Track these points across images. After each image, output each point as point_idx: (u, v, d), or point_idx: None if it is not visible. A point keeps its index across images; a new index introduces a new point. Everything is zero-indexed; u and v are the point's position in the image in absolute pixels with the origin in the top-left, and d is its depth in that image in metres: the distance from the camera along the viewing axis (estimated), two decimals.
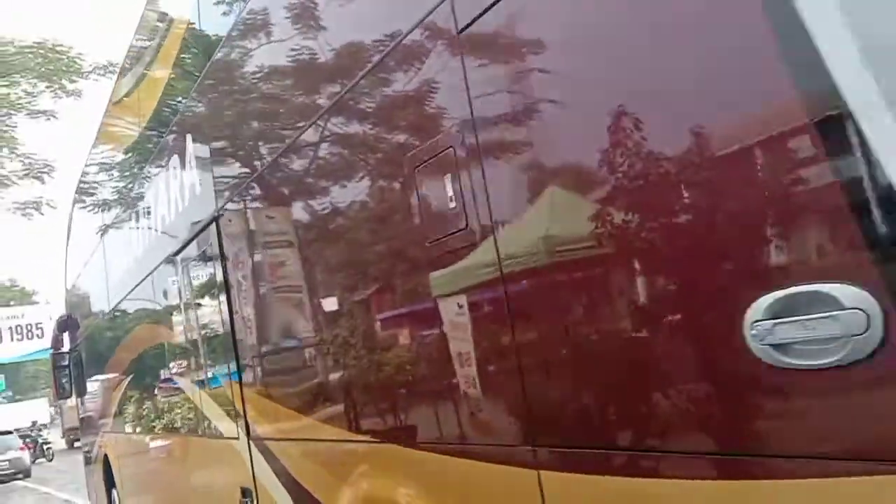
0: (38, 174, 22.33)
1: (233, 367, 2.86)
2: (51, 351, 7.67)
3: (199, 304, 3.27)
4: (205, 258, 3.02)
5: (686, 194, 1.11)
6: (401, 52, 1.69)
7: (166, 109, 3.72)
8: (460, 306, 1.55)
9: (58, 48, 19.30)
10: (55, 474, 18.54)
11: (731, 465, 1.06)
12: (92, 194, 6.24)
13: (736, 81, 1.01)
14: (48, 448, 25.52)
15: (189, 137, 3.17)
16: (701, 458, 1.10)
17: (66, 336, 7.41)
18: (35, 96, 20.22)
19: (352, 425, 2.08)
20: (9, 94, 20.28)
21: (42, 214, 23.25)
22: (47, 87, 19.92)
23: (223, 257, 2.83)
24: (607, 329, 1.26)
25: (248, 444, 2.79)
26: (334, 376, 2.19)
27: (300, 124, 2.19)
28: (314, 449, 2.32)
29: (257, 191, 2.58)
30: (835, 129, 0.88)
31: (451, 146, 1.51)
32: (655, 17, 1.13)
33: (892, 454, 0.85)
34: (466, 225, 1.48)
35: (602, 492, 1.24)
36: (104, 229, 5.70)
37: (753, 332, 0.96)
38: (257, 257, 2.64)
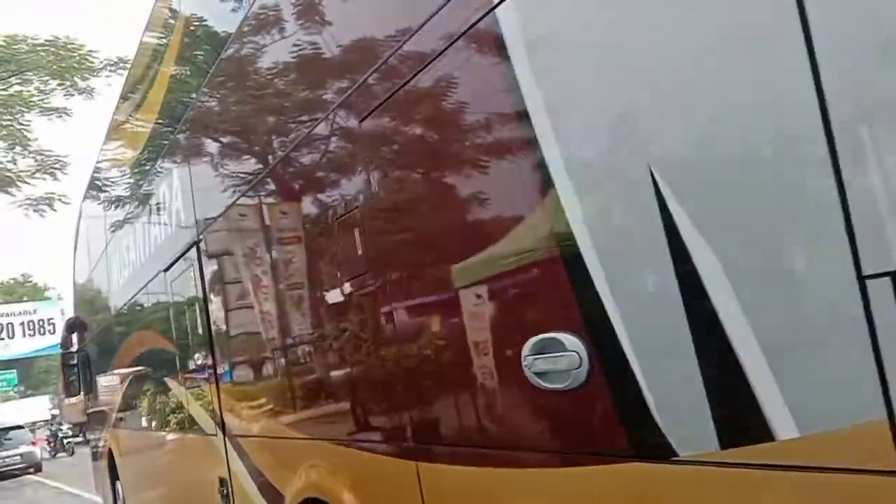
0: (51, 170, 22.39)
1: (211, 372, 3.37)
2: (61, 352, 8.28)
3: (185, 315, 3.80)
4: (188, 276, 3.55)
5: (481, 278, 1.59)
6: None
7: (161, 122, 4.23)
8: (356, 337, 2.06)
9: (69, 45, 19.72)
10: (66, 469, 19.25)
11: (522, 456, 1.53)
12: (98, 196, 6.71)
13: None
14: (68, 443, 26.07)
15: (175, 171, 3.72)
16: (501, 451, 1.57)
17: (74, 336, 8.00)
18: (47, 94, 20.57)
19: (294, 426, 2.58)
20: (21, 91, 20.53)
21: (55, 211, 23.24)
22: (59, 85, 20.33)
23: (202, 276, 3.35)
24: (441, 363, 1.76)
25: (224, 440, 3.30)
26: (283, 384, 2.70)
27: (249, 179, 2.74)
28: (271, 445, 2.83)
29: (226, 223, 3.08)
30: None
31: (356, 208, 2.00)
32: None
33: (598, 447, 1.32)
34: (367, 270, 1.96)
35: (454, 476, 1.73)
36: (108, 235, 6.25)
37: (526, 363, 1.43)
38: (228, 278, 3.14)
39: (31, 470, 20.32)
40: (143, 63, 4.63)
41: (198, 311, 3.48)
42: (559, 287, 1.38)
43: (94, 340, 7.41)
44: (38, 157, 21.91)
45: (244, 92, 2.93)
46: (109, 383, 6.60)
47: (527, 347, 1.42)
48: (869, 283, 0.88)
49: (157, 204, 4.22)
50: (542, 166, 1.35)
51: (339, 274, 2.15)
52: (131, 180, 5.28)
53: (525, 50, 1.39)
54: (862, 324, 0.89)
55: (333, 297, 2.20)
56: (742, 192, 1.04)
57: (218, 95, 3.26)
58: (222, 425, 3.33)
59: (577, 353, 1.32)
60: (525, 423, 1.53)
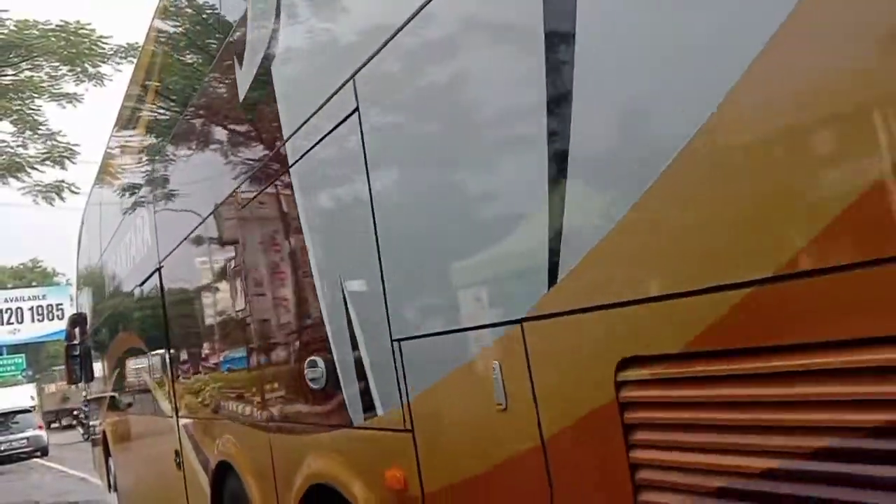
0: (60, 157, 22.73)
1: (168, 369, 4.66)
2: (65, 343, 9.74)
3: (152, 324, 5.11)
4: (154, 293, 4.85)
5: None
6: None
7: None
8: (235, 351, 3.31)
9: (80, 31, 20.54)
10: (73, 453, 20.84)
11: (308, 428, 2.75)
12: (101, 192, 7.80)
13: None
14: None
15: (144, 209, 5.03)
16: (299, 425, 2.79)
17: (76, 330, 9.43)
18: (58, 80, 21.51)
19: (213, 410, 3.86)
20: (32, 76, 21.44)
21: (63, 200, 23.98)
22: (70, 71, 21.25)
23: (163, 295, 4.63)
24: (267, 374, 2.99)
25: (177, 421, 4.58)
26: (206, 381, 3.98)
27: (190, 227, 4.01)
28: (202, 424, 4.11)
29: (176, 256, 4.36)
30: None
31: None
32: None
33: (333, 422, 2.53)
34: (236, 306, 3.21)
35: (283, 440, 2.98)
36: (102, 243, 7.59)
37: (306, 373, 2.63)
38: (179, 298, 4.42)
39: (38, 454, 21.90)
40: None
41: (160, 322, 4.79)
42: (315, 334, 2.59)
43: (91, 336, 8.83)
44: (49, 143, 22.52)
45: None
46: (103, 374, 8.02)
47: (306, 364, 2.64)
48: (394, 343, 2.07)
49: (136, 228, 5.52)
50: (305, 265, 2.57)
51: (226, 307, 3.40)
52: (119, 198, 6.58)
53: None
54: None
55: (223, 323, 3.45)
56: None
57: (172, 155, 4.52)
58: (176, 410, 4.62)
59: (323, 368, 2.53)
60: (307, 408, 2.75)
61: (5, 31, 19.80)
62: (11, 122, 21.84)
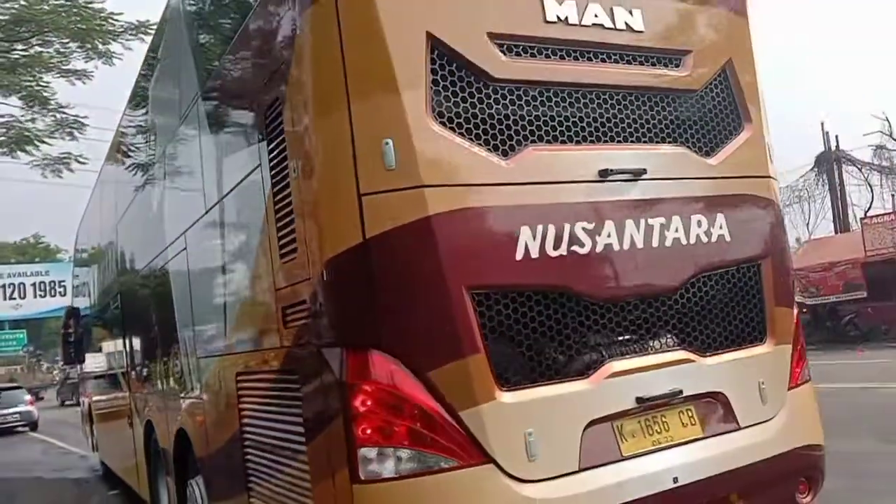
0: (69, 129, 24.17)
1: (124, 357, 7.80)
2: (62, 331, 13.16)
3: (111, 328, 8.26)
4: (114, 310, 8.00)
5: None
6: None
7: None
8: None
9: (90, 6, 22.07)
10: (59, 428, 24.96)
11: None
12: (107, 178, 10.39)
13: None
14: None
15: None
16: None
17: (71, 321, 12.86)
18: (66, 56, 23.15)
19: (141, 385, 6.95)
20: (41, 52, 23.27)
21: (72, 171, 25.68)
22: (79, 48, 22.78)
23: (123, 313, 7.75)
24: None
25: (130, 395, 7.68)
26: (142, 366, 7.08)
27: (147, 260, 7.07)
28: (140, 396, 7.20)
29: (130, 282, 7.41)
30: None
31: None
32: None
33: None
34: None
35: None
36: (90, 251, 10.97)
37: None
38: (132, 311, 7.52)
39: (28, 427, 27.11)
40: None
41: (119, 325, 7.91)
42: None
43: (82, 325, 12.17)
44: (58, 116, 23.97)
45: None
46: (90, 358, 11.36)
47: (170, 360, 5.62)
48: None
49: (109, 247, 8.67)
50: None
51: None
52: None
53: None
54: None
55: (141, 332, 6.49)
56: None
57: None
58: (129, 387, 7.72)
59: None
60: (177, 387, 5.75)
61: (16, 6, 21.63)
62: (20, 98, 23.71)
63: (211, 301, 5.27)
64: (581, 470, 3.61)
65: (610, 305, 3.84)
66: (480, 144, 3.59)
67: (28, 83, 22.96)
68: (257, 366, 4.45)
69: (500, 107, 3.67)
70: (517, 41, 3.78)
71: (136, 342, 7.89)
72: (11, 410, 27.63)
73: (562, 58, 3.91)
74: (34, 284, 41.86)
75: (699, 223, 4.14)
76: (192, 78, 5.44)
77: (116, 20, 22.04)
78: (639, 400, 3.81)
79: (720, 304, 4.23)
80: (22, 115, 23.75)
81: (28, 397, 29.48)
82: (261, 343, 4.41)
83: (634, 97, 4.08)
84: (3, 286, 42.01)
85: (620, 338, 3.90)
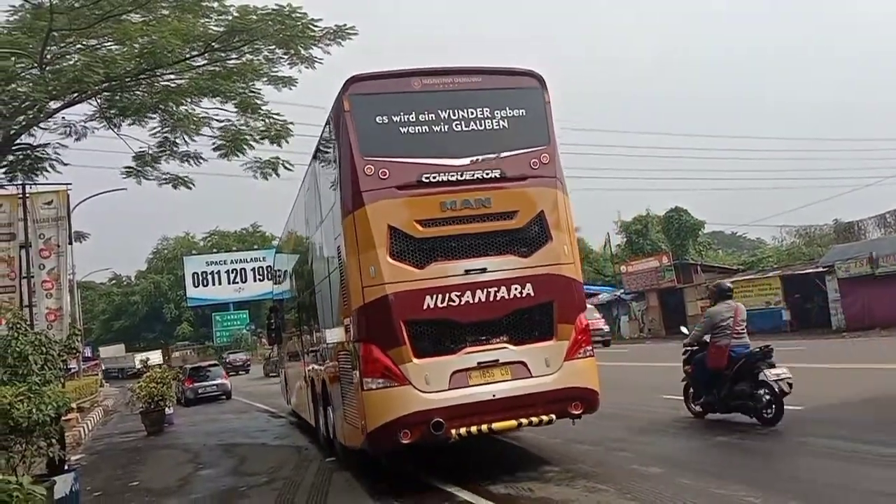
0: (277, 135, 28.56)
1: (301, 339, 16.97)
2: (266, 321, 23.56)
3: (294, 323, 17.40)
4: (295, 311, 17.15)
5: None
6: None
7: None
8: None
9: (293, 14, 25.02)
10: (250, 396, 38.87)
11: None
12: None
13: None
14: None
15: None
16: None
17: (273, 314, 22.96)
18: (273, 62, 27.27)
19: (308, 357, 15.94)
20: (252, 60, 27.29)
21: (278, 176, 29.82)
22: (284, 54, 26.64)
23: (299, 314, 16.82)
24: None
25: (304, 363, 16.69)
26: (303, 344, 16.15)
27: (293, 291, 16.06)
28: (307, 363, 16.17)
29: (303, 295, 16.35)
30: None
31: None
32: None
33: None
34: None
35: None
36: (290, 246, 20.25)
37: None
38: (302, 316, 16.54)
39: (224, 396, 42.88)
40: None
41: (297, 323, 17.04)
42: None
43: (279, 314, 21.87)
44: (267, 121, 28.43)
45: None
46: (286, 341, 20.92)
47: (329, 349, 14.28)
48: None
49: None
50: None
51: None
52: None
53: None
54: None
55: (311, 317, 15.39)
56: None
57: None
58: (304, 360, 16.75)
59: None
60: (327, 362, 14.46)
61: (230, 18, 25.43)
62: (235, 105, 28.29)
63: (327, 318, 14.30)
64: (449, 389, 11.79)
65: (468, 324, 12.05)
66: (409, 264, 11.82)
67: (241, 90, 27.59)
68: (341, 347, 13.01)
69: (418, 249, 11.89)
70: (427, 220, 11.95)
71: (306, 334, 17.62)
72: (211, 383, 42.25)
73: (449, 224, 11.90)
74: (253, 270, 52.59)
75: (516, 288, 12.02)
76: (318, 213, 14.23)
77: (317, 26, 25.63)
78: (479, 363, 11.91)
79: (527, 322, 12.26)
80: (237, 121, 28.69)
81: (223, 372, 44.23)
82: (341, 339, 13.05)
83: (486, 234, 12.01)
84: (228, 272, 54.81)
85: (472, 338, 12.09)
